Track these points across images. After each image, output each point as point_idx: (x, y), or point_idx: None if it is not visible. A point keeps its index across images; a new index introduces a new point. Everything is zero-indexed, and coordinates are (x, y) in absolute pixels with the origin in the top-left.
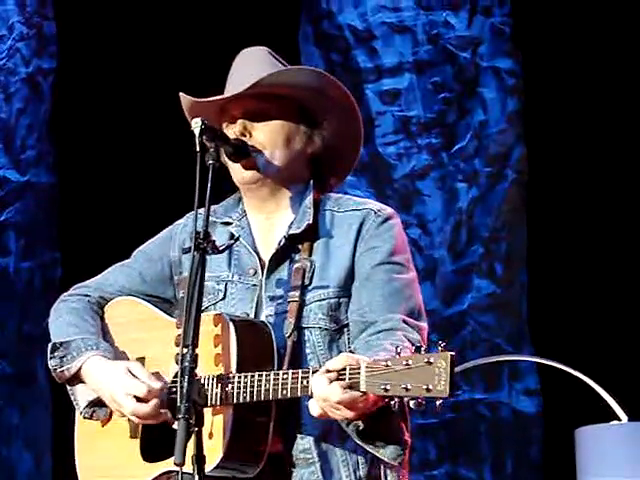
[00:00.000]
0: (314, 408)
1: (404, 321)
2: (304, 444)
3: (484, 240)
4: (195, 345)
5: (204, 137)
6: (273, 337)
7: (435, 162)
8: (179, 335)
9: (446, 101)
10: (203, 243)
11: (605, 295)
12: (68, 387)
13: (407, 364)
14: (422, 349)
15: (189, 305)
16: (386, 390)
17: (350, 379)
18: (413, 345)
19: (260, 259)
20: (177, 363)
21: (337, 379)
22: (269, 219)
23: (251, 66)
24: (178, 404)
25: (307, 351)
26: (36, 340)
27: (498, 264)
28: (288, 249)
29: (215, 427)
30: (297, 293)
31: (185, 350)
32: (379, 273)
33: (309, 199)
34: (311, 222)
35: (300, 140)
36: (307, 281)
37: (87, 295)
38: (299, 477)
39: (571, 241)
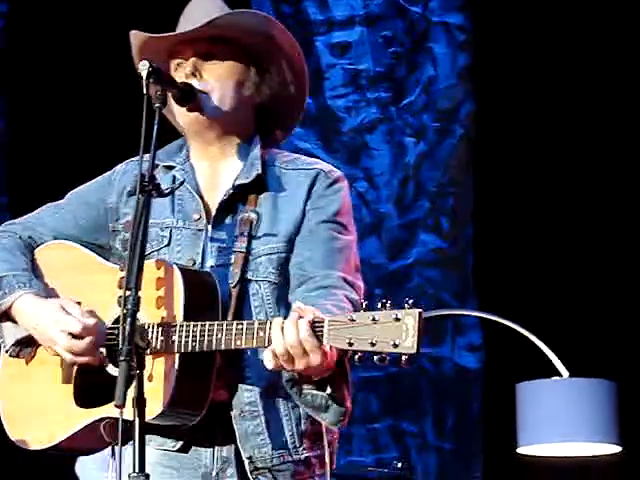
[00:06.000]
0: (268, 358)
1: (344, 279)
2: (250, 397)
3: (431, 195)
4: (138, 288)
5: (151, 80)
6: (218, 286)
7: (384, 116)
8: (122, 278)
9: (396, 55)
10: (148, 185)
11: (550, 251)
12: None
13: (374, 319)
14: (388, 305)
15: (133, 247)
16: (350, 344)
17: (314, 331)
18: (354, 306)
19: (205, 204)
20: (119, 305)
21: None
22: (213, 165)
23: (203, 10)
24: (120, 346)
25: (255, 304)
26: None
27: (444, 219)
28: (235, 199)
29: (157, 372)
30: (243, 244)
31: (128, 292)
32: (322, 230)
33: (257, 150)
34: (260, 172)
35: (249, 86)
36: (254, 232)
37: (16, 233)
38: (244, 429)
39: (517, 197)
